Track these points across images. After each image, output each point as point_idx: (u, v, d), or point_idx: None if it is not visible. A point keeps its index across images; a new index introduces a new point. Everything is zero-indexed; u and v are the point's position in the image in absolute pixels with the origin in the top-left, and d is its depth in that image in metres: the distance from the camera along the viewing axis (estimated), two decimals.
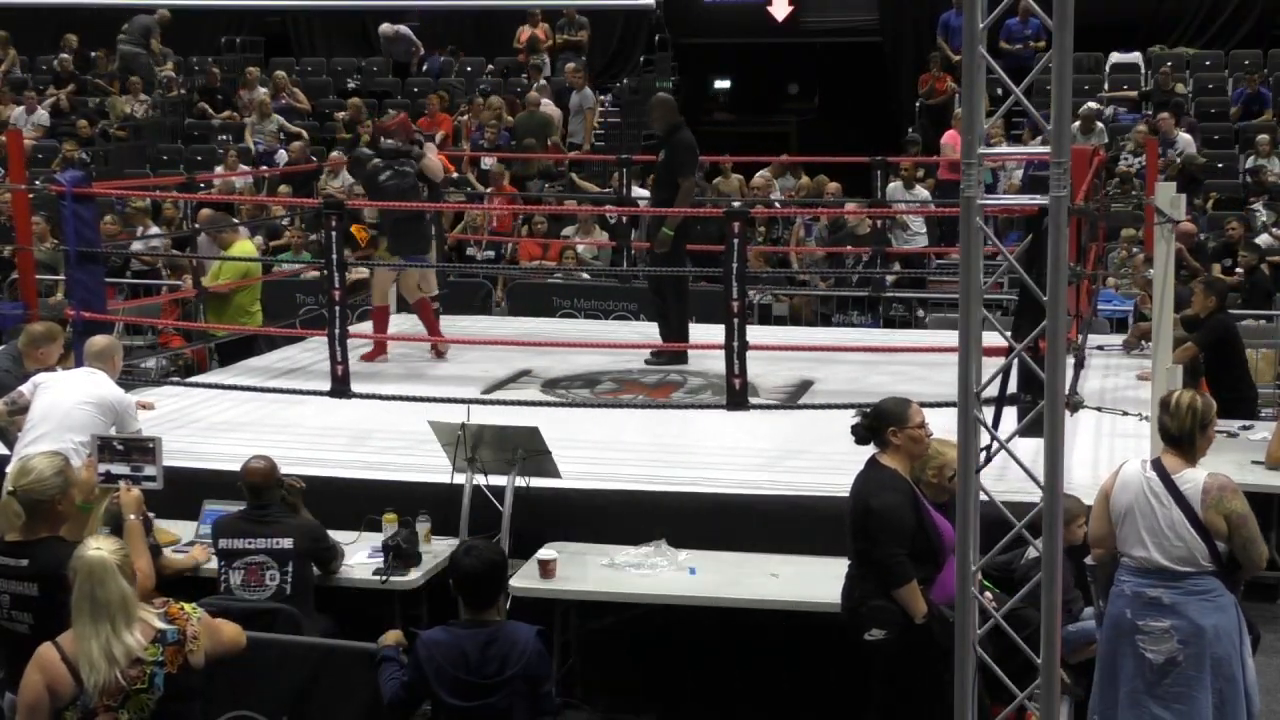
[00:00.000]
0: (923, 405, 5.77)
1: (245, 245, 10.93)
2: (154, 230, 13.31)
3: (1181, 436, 4.97)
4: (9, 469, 5.53)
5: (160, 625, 4.17)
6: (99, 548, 4.15)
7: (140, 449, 5.64)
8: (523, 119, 16.61)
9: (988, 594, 5.02)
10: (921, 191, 13.70)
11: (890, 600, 5.03)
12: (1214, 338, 8.59)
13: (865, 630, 5.06)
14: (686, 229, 9.15)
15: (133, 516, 5.34)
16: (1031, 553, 5.26)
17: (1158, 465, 4.98)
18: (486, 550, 4.81)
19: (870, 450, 5.29)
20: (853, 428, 5.34)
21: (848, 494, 5.28)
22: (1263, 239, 12.64)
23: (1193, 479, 4.91)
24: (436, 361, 9.49)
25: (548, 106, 16.83)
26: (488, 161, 15.03)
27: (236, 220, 11.34)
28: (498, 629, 4.66)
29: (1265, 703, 5.32)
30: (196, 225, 10.94)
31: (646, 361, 9.25)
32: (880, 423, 5.24)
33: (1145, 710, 4.93)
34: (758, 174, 14.73)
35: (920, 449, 5.27)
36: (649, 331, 10.03)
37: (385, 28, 19.15)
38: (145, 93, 18.29)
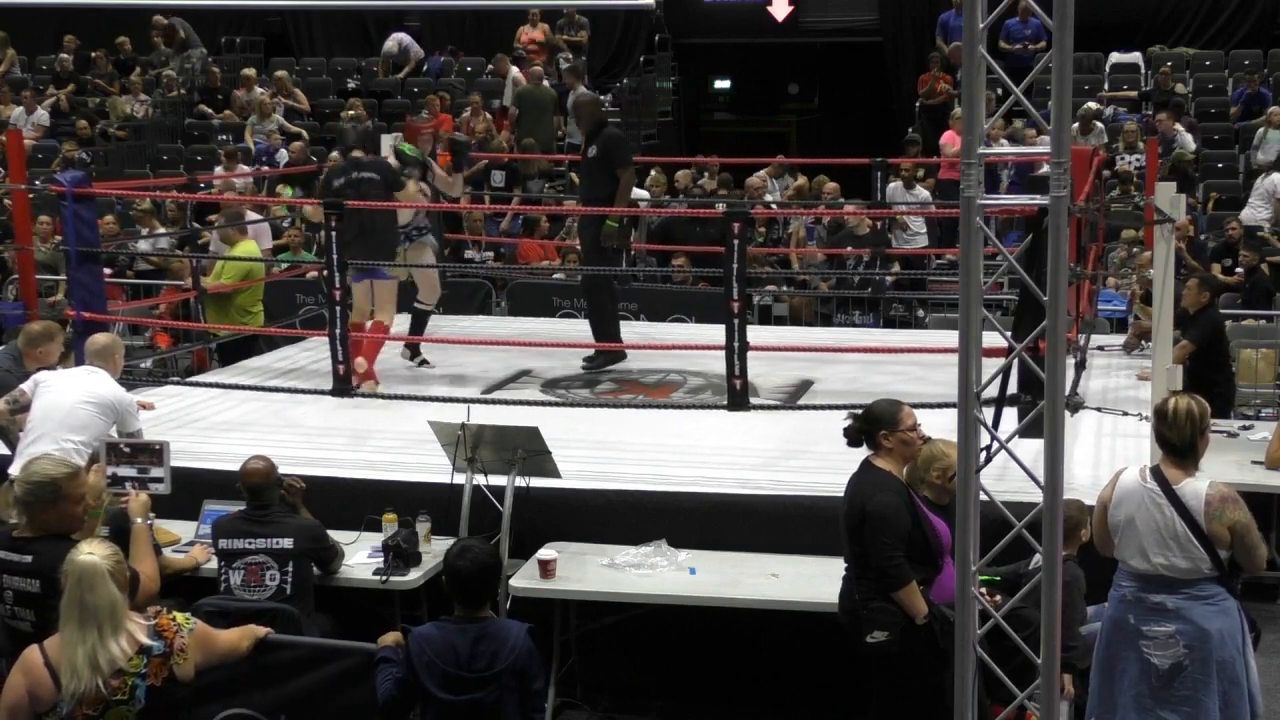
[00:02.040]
0: (923, 405, 5.78)
1: (249, 245, 10.94)
2: (160, 230, 13.31)
3: (1182, 445, 4.92)
4: (13, 468, 5.54)
5: (145, 640, 4.14)
6: (91, 552, 4.12)
7: (147, 451, 5.64)
8: (526, 91, 16.74)
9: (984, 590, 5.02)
10: (921, 192, 13.69)
11: (890, 602, 5.03)
12: (1208, 332, 8.59)
13: (866, 633, 5.06)
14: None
15: (140, 520, 5.34)
16: (1039, 560, 5.26)
17: (1158, 475, 4.94)
18: (480, 552, 4.81)
19: (864, 452, 5.29)
20: (845, 430, 5.34)
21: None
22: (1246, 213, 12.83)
23: (1195, 490, 4.87)
24: (435, 362, 9.46)
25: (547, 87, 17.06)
26: (498, 177, 14.95)
27: (257, 218, 11.37)
28: (488, 625, 4.68)
29: (1266, 703, 5.32)
30: (217, 216, 10.97)
31: (583, 365, 9.14)
32: (872, 426, 5.24)
33: (1151, 714, 4.91)
34: (754, 174, 14.72)
35: (912, 451, 5.28)
36: (649, 331, 10.05)
37: (390, 43, 19.17)
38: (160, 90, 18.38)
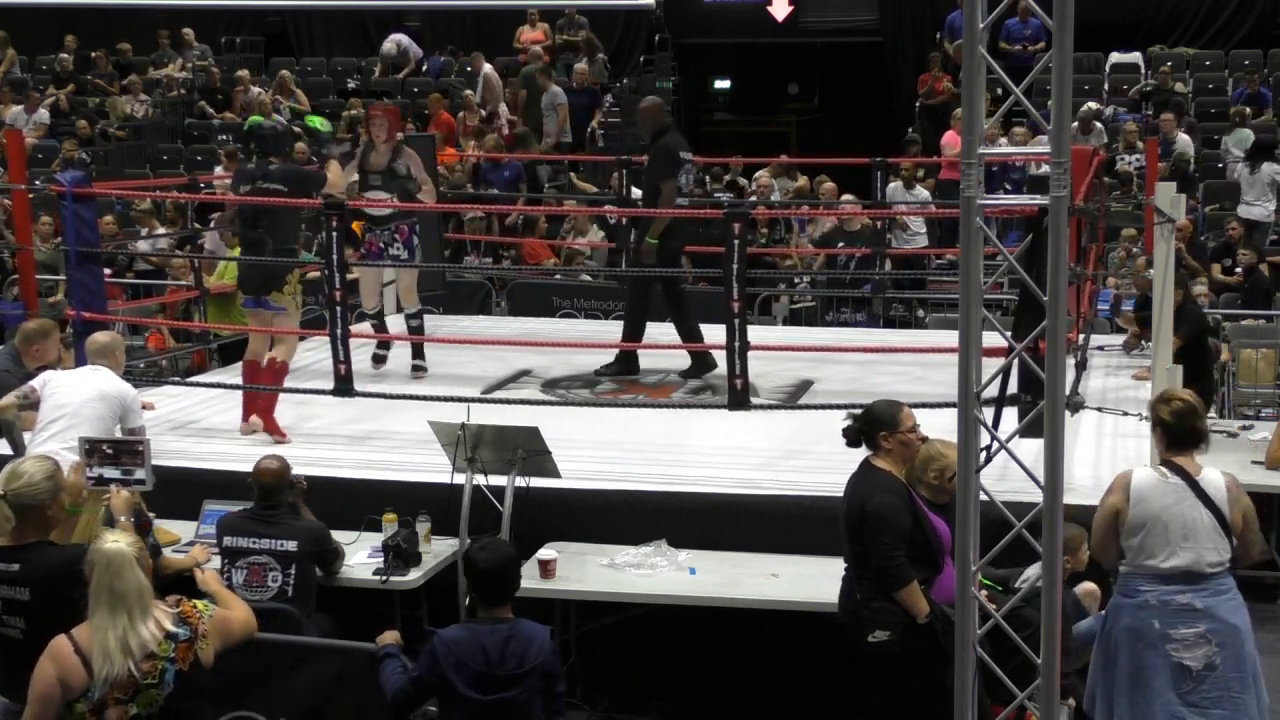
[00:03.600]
0: (923, 405, 5.77)
1: None
2: (160, 230, 13.30)
3: (1202, 436, 5.05)
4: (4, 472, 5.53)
5: (171, 626, 4.23)
6: (116, 540, 4.24)
7: (129, 451, 5.65)
8: (528, 73, 16.95)
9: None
10: (921, 192, 13.69)
11: (891, 602, 5.03)
12: (1194, 327, 8.62)
13: (868, 633, 5.05)
14: (676, 233, 8.88)
15: (123, 518, 5.35)
16: (1031, 573, 5.24)
17: (1175, 469, 4.96)
18: (501, 547, 4.92)
19: (864, 452, 5.29)
20: (844, 431, 5.34)
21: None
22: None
23: (1214, 480, 4.94)
24: (435, 362, 9.42)
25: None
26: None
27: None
28: (515, 626, 4.75)
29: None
30: (213, 220, 10.96)
31: (597, 372, 9.04)
32: (871, 427, 5.23)
33: None
34: (758, 174, 14.72)
35: (912, 453, 5.27)
36: (649, 331, 10.00)
37: (389, 44, 19.19)
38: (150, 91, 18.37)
